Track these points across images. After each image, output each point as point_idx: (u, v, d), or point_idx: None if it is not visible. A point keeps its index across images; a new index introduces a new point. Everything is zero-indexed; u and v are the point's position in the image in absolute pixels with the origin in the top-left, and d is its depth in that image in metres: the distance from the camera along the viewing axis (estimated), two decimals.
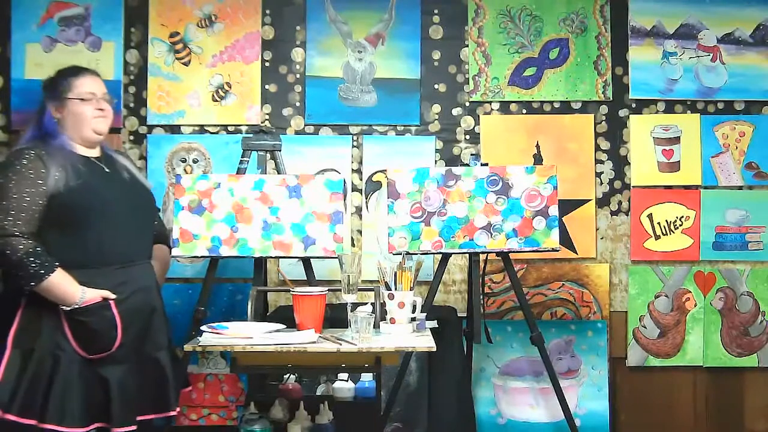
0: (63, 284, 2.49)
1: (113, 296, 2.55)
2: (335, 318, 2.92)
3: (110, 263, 2.58)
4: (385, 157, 3.80)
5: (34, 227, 2.51)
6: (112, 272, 2.58)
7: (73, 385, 2.49)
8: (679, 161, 3.82)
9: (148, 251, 2.76)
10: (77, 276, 2.52)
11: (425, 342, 2.65)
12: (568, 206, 3.77)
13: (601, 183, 3.83)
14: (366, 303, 2.78)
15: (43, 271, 2.46)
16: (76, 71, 2.72)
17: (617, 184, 3.84)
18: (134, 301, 2.61)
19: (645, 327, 3.80)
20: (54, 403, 2.46)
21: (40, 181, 2.51)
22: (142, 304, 2.64)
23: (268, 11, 3.84)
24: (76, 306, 2.50)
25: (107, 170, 2.68)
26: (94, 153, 2.70)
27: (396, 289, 2.81)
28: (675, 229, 3.80)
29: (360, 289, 2.76)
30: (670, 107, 3.84)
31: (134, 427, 2.57)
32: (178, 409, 2.75)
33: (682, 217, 3.80)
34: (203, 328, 2.72)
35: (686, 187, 3.82)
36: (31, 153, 2.54)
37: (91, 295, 2.51)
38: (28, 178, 2.50)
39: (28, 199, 2.49)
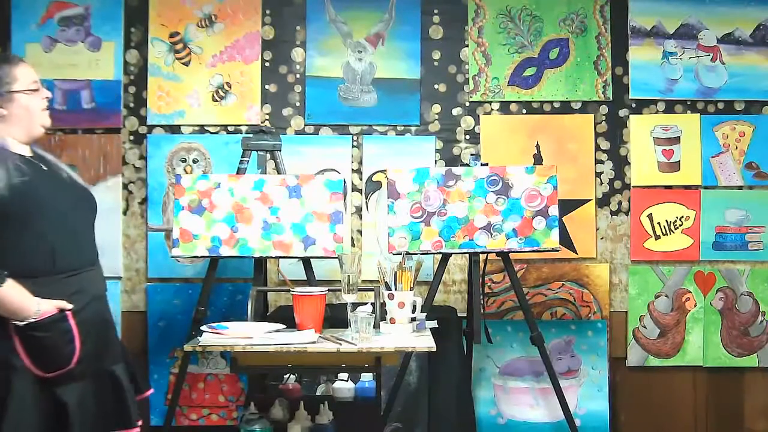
0: (15, 296, 2.20)
1: (69, 306, 2.28)
2: (335, 318, 2.92)
3: (62, 270, 2.30)
4: (385, 157, 3.80)
5: None
6: (65, 280, 2.30)
7: (28, 407, 2.22)
8: (679, 161, 3.81)
9: (95, 256, 2.47)
10: (28, 286, 2.23)
11: (425, 342, 2.65)
12: (568, 206, 3.77)
13: (601, 183, 3.83)
14: (366, 303, 2.78)
15: None
16: (10, 59, 2.42)
17: (617, 184, 3.84)
18: (90, 311, 2.35)
19: (645, 327, 3.80)
20: (10, 428, 2.18)
21: None
22: (97, 314, 2.40)
23: (268, 11, 3.84)
24: (32, 320, 2.21)
25: (44, 168, 2.39)
26: (27, 151, 2.41)
27: (396, 289, 2.81)
28: (675, 229, 3.80)
29: (360, 289, 2.76)
30: (670, 107, 3.84)
31: None
32: (140, 422, 2.47)
33: (682, 217, 3.80)
34: (203, 328, 2.71)
35: (686, 187, 3.81)
36: None
37: (47, 307, 2.23)
38: None
39: None
